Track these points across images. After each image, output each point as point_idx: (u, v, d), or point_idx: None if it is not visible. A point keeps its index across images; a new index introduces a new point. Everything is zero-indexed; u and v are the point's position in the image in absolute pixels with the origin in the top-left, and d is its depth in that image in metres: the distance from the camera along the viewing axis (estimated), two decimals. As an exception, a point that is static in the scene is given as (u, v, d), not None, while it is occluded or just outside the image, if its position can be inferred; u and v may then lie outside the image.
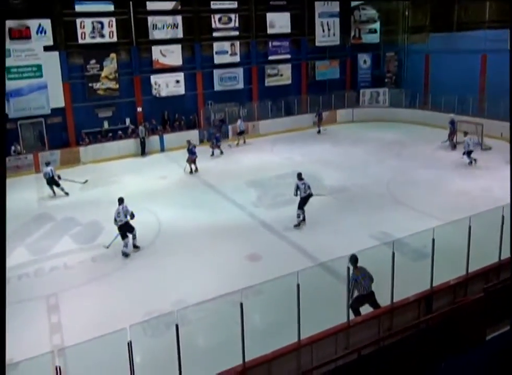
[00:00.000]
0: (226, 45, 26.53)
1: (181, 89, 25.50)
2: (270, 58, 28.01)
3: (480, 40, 25.01)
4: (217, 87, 26.53)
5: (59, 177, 17.18)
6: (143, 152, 22.93)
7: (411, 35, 30.00)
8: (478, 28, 26.03)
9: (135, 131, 23.81)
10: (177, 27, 24.88)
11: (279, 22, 27.86)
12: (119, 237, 12.13)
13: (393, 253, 7.65)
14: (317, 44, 29.34)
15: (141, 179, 18.77)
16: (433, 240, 8.04)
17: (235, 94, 26.89)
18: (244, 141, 24.33)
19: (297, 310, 7.10)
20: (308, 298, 7.44)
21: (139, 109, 24.73)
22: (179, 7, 24.96)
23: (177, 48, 25.16)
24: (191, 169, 19.25)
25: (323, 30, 29.40)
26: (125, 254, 12.03)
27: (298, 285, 6.92)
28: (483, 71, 25.62)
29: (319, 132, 25.80)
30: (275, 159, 20.96)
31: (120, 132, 23.69)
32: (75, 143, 22.89)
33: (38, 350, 6.23)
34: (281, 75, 28.50)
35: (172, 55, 25.07)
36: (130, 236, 12.21)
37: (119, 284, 10.76)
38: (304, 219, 13.32)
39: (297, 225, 13.26)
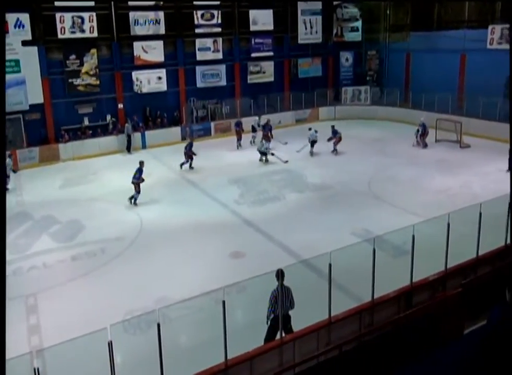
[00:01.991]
0: (209, 42, 26.40)
1: (163, 86, 25.30)
2: (253, 55, 27.97)
3: (459, 39, 25.36)
4: (199, 84, 26.41)
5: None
6: (129, 149, 22.68)
7: (392, 34, 30.28)
8: (458, 27, 26.48)
9: (116, 127, 23.53)
10: (159, 23, 24.64)
11: (261, 19, 27.83)
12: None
13: (374, 250, 7.72)
14: (299, 41, 29.44)
15: (122, 176, 18.51)
16: (413, 237, 8.14)
17: (217, 90, 26.80)
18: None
19: (280, 307, 7.13)
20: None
21: (120, 106, 24.45)
22: (161, 3, 24.75)
23: (159, 44, 24.93)
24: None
25: (306, 28, 29.49)
26: None
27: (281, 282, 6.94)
28: (462, 70, 26.00)
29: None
30: (257, 156, 20.92)
31: (99, 129, 23.40)
32: (55, 140, 22.51)
33: (16, 352, 6.10)
34: (264, 72, 28.50)
35: (154, 52, 24.83)
36: None
37: (100, 282, 10.64)
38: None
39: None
